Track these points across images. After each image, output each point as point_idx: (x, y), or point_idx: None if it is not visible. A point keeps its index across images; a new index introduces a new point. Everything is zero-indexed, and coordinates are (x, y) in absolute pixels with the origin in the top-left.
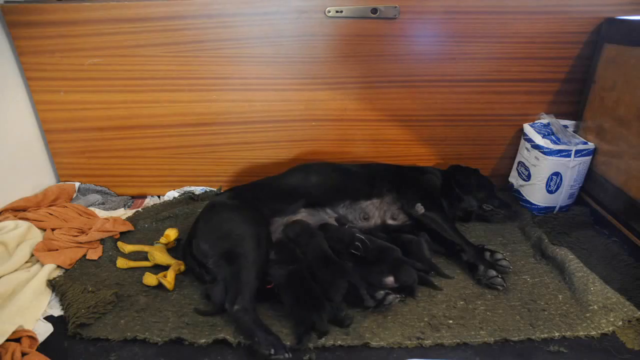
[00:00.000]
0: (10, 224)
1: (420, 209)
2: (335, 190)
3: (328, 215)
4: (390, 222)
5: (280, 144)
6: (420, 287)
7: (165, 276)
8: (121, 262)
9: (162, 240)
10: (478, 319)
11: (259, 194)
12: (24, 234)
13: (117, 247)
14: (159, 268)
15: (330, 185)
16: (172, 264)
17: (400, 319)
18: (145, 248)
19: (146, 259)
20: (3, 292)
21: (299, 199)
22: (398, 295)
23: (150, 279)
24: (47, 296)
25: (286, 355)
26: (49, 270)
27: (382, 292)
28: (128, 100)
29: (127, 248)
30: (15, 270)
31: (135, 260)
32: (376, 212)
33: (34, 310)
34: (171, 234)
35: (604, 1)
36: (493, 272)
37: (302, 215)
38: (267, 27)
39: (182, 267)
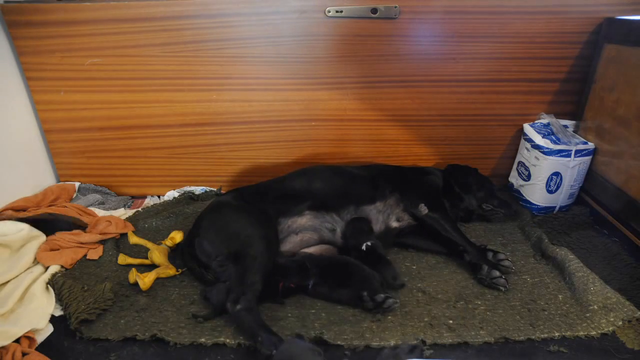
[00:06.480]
0: (11, 225)
1: (423, 209)
2: (338, 196)
3: (334, 221)
4: (394, 224)
5: (280, 144)
6: (420, 288)
7: (145, 276)
8: (121, 259)
9: (167, 242)
10: (478, 319)
11: (264, 195)
12: (26, 236)
13: (117, 247)
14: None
15: (333, 191)
16: (161, 266)
17: (400, 319)
18: (149, 244)
19: (147, 257)
20: (16, 295)
21: (304, 201)
22: (398, 300)
23: (131, 276)
24: (54, 296)
25: None
26: (53, 271)
27: (382, 295)
28: (128, 100)
29: (134, 239)
30: (20, 273)
31: (135, 257)
32: (380, 216)
33: (43, 311)
34: (177, 236)
35: (604, 1)
36: (497, 273)
37: (307, 217)
38: (267, 27)
39: (172, 272)
